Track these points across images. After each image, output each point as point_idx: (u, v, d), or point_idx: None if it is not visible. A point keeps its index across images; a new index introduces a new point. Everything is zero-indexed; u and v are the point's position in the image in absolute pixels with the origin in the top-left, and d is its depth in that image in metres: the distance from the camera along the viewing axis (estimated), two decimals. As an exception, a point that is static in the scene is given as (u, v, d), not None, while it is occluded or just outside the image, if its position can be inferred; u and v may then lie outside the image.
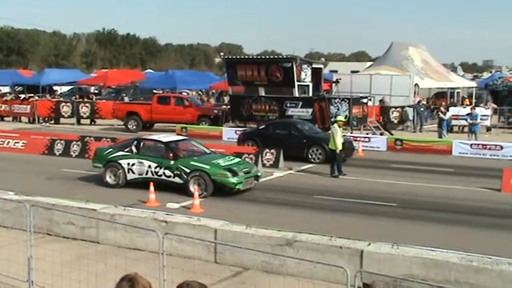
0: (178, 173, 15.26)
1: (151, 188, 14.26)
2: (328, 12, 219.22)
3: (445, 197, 15.49)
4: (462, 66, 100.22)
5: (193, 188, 14.78)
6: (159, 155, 15.80)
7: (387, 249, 8.72)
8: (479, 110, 29.05)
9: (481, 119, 28.23)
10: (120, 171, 15.94)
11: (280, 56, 31.38)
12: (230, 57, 32.98)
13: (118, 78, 45.45)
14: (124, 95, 40.34)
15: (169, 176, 15.37)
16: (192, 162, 15.37)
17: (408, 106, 32.13)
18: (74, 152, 21.85)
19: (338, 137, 18.27)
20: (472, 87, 41.78)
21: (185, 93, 40.42)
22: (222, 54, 36.12)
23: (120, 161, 15.99)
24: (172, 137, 17.80)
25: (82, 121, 34.56)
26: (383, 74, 35.09)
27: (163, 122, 31.05)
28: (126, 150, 16.22)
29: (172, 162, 15.38)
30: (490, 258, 8.28)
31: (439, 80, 38.14)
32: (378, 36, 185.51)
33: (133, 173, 15.84)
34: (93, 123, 34.98)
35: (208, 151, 16.69)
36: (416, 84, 34.70)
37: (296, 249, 9.15)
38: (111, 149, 16.67)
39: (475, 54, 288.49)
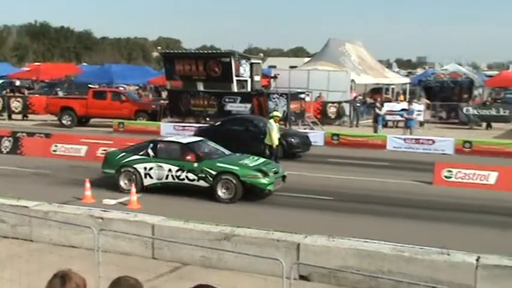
0: (203, 175, 14.17)
1: (87, 184, 13.98)
2: (267, 8, 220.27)
3: (380, 190, 15.89)
4: (397, 62, 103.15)
5: (221, 191, 14.05)
6: (179, 157, 14.68)
7: (323, 241, 8.89)
8: (415, 106, 29.97)
9: (416, 114, 29.16)
10: (135, 176, 14.81)
11: (219, 51, 31.30)
12: (168, 51, 32.65)
13: (51, 72, 44.28)
14: (58, 89, 39.22)
15: (193, 180, 14.29)
16: (219, 164, 14.30)
17: (345, 102, 32.77)
18: (5, 148, 21.17)
19: (274, 132, 18.42)
20: (406, 83, 42.89)
21: (122, 88, 39.72)
22: (159, 48, 35.68)
23: (135, 166, 14.85)
24: (189, 138, 16.75)
25: (14, 116, 33.48)
26: (320, 69, 35.56)
27: (99, 117, 30.46)
28: (141, 153, 15.04)
29: (195, 164, 14.30)
30: (421, 248, 8.58)
31: (375, 76, 38.96)
32: (317, 33, 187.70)
33: (151, 177, 14.72)
34: (25, 118, 33.94)
35: (227, 152, 15.63)
36: (352, 80, 35.37)
37: (234, 243, 9.18)
38: (124, 153, 15.42)
39: (409, 51, 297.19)
